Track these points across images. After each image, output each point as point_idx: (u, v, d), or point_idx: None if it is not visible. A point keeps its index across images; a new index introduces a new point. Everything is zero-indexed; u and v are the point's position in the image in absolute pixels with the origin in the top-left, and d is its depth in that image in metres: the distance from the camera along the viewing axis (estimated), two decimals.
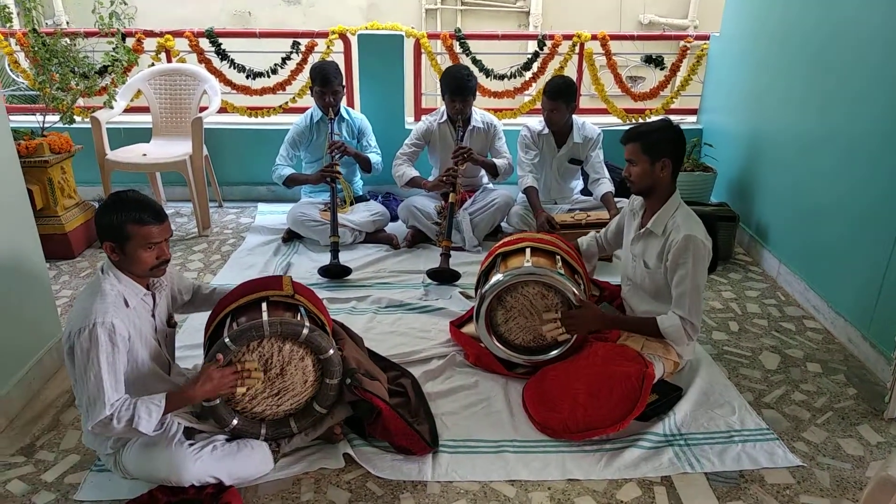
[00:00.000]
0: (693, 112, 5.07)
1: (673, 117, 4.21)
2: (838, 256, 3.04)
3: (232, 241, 4.10)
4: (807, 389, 2.61)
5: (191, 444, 1.96)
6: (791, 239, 3.50)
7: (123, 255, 1.92)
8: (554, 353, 2.57)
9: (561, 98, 3.68)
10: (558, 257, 2.58)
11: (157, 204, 1.96)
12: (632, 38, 5.11)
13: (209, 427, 2.06)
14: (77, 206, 3.90)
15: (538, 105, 4.76)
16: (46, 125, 3.91)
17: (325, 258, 3.58)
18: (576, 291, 2.45)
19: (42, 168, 3.61)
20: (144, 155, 4.12)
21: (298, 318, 2.08)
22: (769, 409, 2.47)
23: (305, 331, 2.02)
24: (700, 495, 2.03)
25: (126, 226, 1.88)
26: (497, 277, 2.51)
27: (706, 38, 4.82)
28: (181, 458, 1.90)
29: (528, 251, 2.59)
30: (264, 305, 2.07)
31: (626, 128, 2.52)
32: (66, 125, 3.96)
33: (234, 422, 2.06)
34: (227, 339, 1.96)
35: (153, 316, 2.06)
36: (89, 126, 4.00)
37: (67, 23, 7.67)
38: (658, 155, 2.37)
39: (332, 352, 2.09)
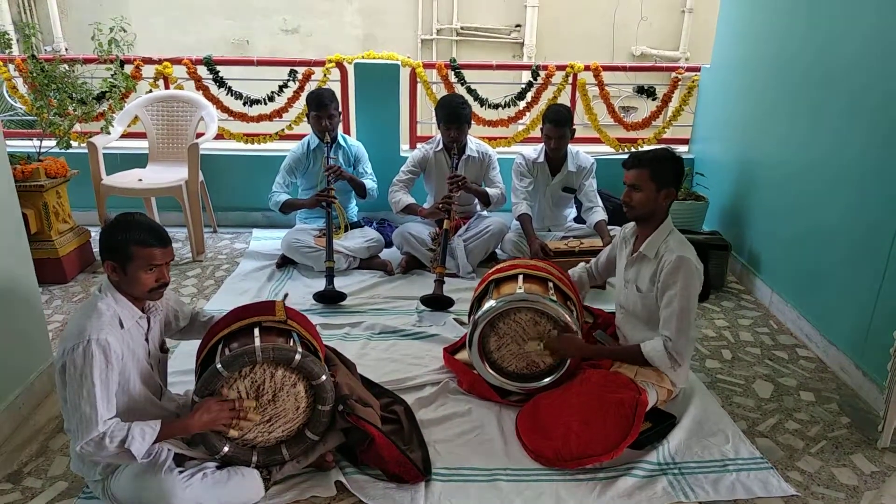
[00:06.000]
0: (685, 142, 5.14)
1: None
2: (830, 285, 3.06)
3: (226, 266, 4.10)
4: (800, 418, 2.60)
5: (181, 472, 1.95)
6: (783, 267, 3.53)
7: (124, 276, 1.93)
8: (547, 380, 2.57)
9: (567, 124, 3.75)
10: (551, 284, 2.59)
11: (161, 228, 1.98)
12: (624, 69, 5.20)
13: (200, 454, 2.04)
14: (71, 231, 3.90)
15: (533, 134, 4.83)
16: (43, 150, 3.92)
17: (318, 284, 3.58)
18: (568, 319, 2.46)
19: (37, 192, 3.62)
20: (140, 180, 4.13)
21: (291, 343, 2.08)
22: (763, 438, 2.47)
23: (298, 356, 2.02)
24: None
25: (130, 246, 1.89)
26: (490, 304, 2.52)
27: (697, 69, 4.91)
28: (171, 485, 1.89)
29: (520, 278, 2.60)
30: (257, 331, 2.07)
31: (620, 157, 2.56)
32: (63, 150, 3.97)
33: (225, 449, 2.04)
34: (219, 365, 1.95)
35: (147, 340, 2.06)
36: (86, 151, 4.02)
37: (66, 49, 7.75)
38: (665, 183, 2.41)
39: (324, 378, 2.08)
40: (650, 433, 2.37)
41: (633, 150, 4.89)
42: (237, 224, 4.88)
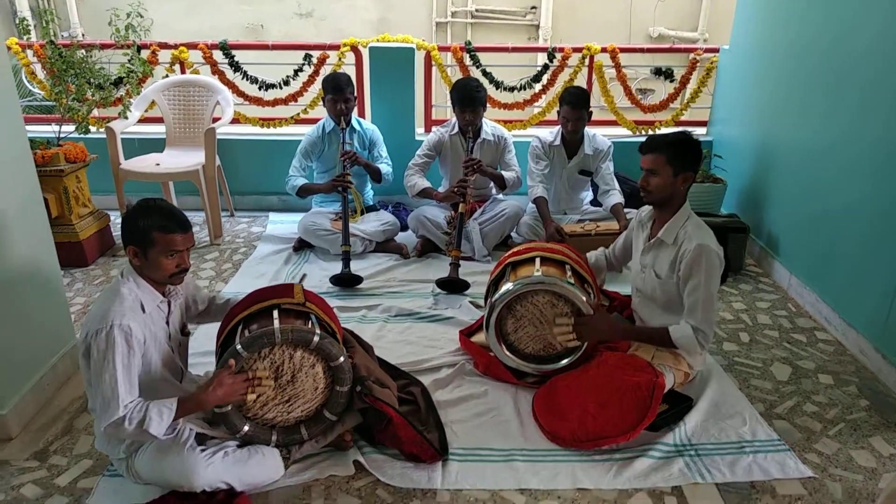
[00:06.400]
0: (703, 124, 5.08)
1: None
2: (849, 268, 3.03)
3: (243, 249, 4.13)
4: (818, 401, 2.59)
5: (202, 450, 1.98)
6: (802, 250, 3.49)
7: (145, 261, 1.96)
8: (564, 362, 2.57)
9: (584, 106, 3.73)
10: (568, 267, 2.59)
11: (182, 214, 2.01)
12: (641, 50, 5.14)
13: (221, 433, 2.08)
14: (91, 215, 3.95)
15: (548, 117, 4.80)
16: (62, 135, 3.96)
17: (335, 267, 3.60)
18: (585, 300, 2.46)
19: (57, 177, 3.66)
20: (158, 164, 4.17)
21: (309, 325, 2.10)
22: (780, 420, 2.46)
23: (316, 338, 2.04)
24: None
25: (152, 232, 1.92)
26: (507, 286, 2.52)
27: (716, 50, 4.84)
28: (193, 463, 1.92)
29: (537, 260, 2.59)
30: (276, 313, 2.09)
31: (637, 140, 2.53)
32: (82, 135, 4.01)
33: (246, 428, 2.07)
34: (239, 346, 1.98)
35: (167, 323, 2.09)
36: (104, 136, 4.06)
37: (83, 35, 7.79)
38: (682, 167, 2.38)
39: (342, 359, 2.10)
40: (667, 415, 2.37)
41: (650, 132, 4.85)
42: (254, 208, 4.91)
